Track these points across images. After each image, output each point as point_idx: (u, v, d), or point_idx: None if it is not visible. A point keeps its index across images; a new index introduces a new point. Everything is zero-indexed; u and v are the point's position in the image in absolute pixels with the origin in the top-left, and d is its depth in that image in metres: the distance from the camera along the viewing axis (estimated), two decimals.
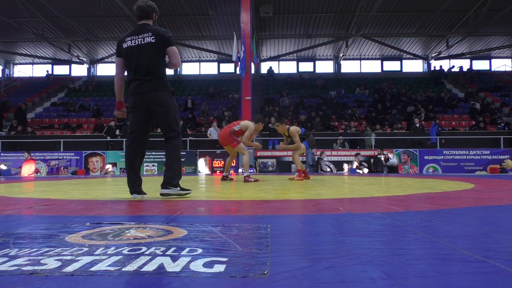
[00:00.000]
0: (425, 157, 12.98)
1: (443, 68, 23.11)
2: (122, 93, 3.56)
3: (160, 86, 3.37)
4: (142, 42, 3.36)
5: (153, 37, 3.35)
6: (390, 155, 12.71)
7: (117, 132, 14.84)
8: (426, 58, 23.97)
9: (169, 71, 21.62)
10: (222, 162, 12.77)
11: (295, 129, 7.18)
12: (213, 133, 14.49)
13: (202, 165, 13.00)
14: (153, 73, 3.36)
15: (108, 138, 14.34)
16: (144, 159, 3.68)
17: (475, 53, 23.29)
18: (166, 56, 3.43)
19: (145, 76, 3.35)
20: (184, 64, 24.92)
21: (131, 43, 3.39)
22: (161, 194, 3.39)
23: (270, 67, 23.51)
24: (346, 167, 12.99)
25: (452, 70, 23.22)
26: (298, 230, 1.82)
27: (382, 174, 11.21)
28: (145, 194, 3.53)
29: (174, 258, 1.21)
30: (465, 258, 1.23)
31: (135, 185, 3.46)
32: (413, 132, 14.50)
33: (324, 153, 12.99)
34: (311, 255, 1.30)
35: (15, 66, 25.63)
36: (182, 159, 13.51)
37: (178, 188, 3.40)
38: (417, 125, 14.42)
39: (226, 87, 21.12)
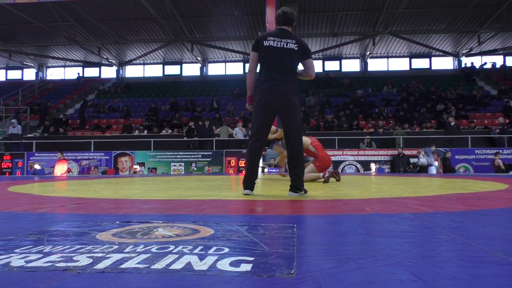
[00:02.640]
0: (456, 157, 12.63)
1: (474, 65, 22.40)
2: (254, 88, 3.65)
3: (293, 90, 3.50)
4: (285, 46, 3.46)
5: (297, 45, 3.47)
6: (420, 155, 12.44)
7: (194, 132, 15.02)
8: (456, 55, 23.29)
9: (194, 72, 21.72)
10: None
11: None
12: (238, 133, 14.58)
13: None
14: (290, 76, 3.48)
15: (185, 139, 14.60)
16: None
17: (509, 49, 22.45)
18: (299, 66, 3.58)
19: (283, 78, 3.45)
20: (210, 65, 25.15)
21: (273, 44, 3.48)
22: (294, 196, 3.45)
23: None
24: (373, 167, 12.80)
25: (484, 66, 22.48)
26: (325, 230, 1.81)
27: (411, 174, 10.97)
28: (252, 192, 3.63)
29: (201, 257, 1.22)
30: (499, 261, 1.19)
31: (251, 182, 3.59)
32: (447, 131, 14.10)
33: None
34: (338, 255, 1.28)
35: (48, 69, 26.51)
36: (208, 159, 13.59)
37: (303, 192, 3.48)
38: (452, 124, 14.01)
39: None
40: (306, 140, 6.63)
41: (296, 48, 3.47)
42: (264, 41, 3.51)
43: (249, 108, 3.71)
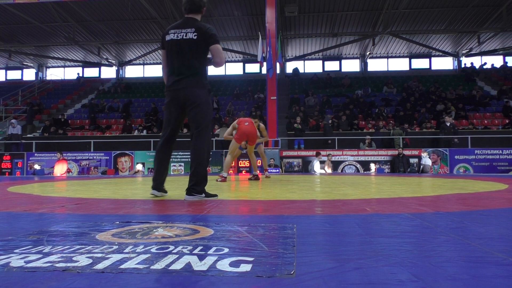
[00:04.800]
0: (456, 157, 12.62)
1: (474, 65, 22.40)
2: None
3: (197, 84, 3.26)
4: (184, 38, 3.25)
5: (196, 33, 3.24)
6: (423, 155, 12.45)
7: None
8: (456, 55, 23.29)
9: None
10: (248, 162, 12.82)
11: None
12: None
13: (317, 166, 12.67)
14: (191, 70, 3.25)
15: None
16: (171, 159, 3.66)
17: (509, 49, 22.45)
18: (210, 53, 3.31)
19: (184, 73, 3.26)
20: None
21: (173, 37, 3.29)
22: (186, 200, 3.22)
23: (296, 67, 23.40)
24: (373, 167, 12.80)
25: (484, 67, 22.47)
26: (325, 230, 1.81)
27: (412, 174, 10.98)
28: (166, 193, 3.51)
29: (201, 257, 1.22)
30: (499, 261, 1.19)
31: (157, 181, 3.44)
32: (444, 132, 14.09)
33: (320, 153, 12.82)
34: (338, 255, 1.28)
35: (47, 69, 26.50)
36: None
37: (203, 195, 3.26)
38: (448, 124, 14.01)
39: (252, 87, 21.17)
40: (233, 126, 6.95)
41: (195, 37, 3.22)
42: (166, 36, 3.34)
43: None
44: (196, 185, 3.22)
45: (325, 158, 12.64)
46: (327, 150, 13.07)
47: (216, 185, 5.41)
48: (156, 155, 3.49)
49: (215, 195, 3.37)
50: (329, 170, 12.24)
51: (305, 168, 13.10)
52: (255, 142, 7.11)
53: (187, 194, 3.23)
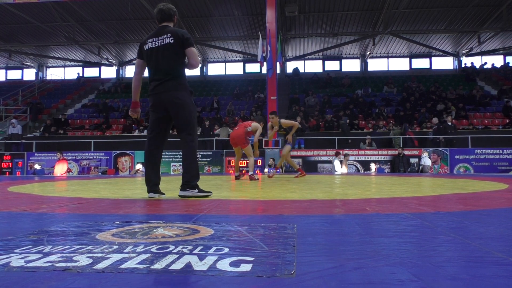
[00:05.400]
0: (456, 157, 12.62)
1: (474, 65, 22.40)
2: (138, 94, 3.63)
3: (178, 86, 3.40)
4: (162, 43, 3.40)
5: (172, 38, 3.38)
6: (423, 155, 12.45)
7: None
8: (456, 55, 23.29)
9: (194, 72, 21.57)
10: (247, 161, 12.81)
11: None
12: None
13: (338, 165, 12.62)
14: (171, 73, 3.40)
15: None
16: (161, 159, 3.73)
17: (509, 49, 22.45)
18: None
19: (164, 77, 3.39)
20: (209, 65, 25.14)
21: (152, 45, 3.44)
22: (180, 196, 3.40)
23: (296, 67, 23.40)
24: (373, 166, 12.80)
25: (484, 67, 22.47)
26: (325, 230, 1.81)
27: (413, 174, 10.98)
28: (163, 194, 3.56)
29: (201, 257, 1.22)
30: (499, 261, 1.19)
31: (150, 184, 3.49)
32: (444, 131, 14.07)
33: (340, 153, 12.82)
34: (338, 255, 1.28)
35: (48, 69, 26.51)
36: (208, 159, 13.60)
37: (196, 190, 3.41)
38: (449, 124, 14.00)
39: (252, 87, 21.17)
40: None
41: (172, 41, 3.37)
42: (144, 46, 3.49)
43: (131, 113, 3.68)
44: (189, 181, 3.39)
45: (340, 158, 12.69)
46: (344, 150, 13.07)
47: (216, 185, 5.41)
48: (147, 158, 3.55)
49: (209, 192, 3.52)
50: (345, 170, 12.26)
51: (306, 168, 13.09)
52: (241, 144, 7.31)
53: (181, 190, 3.40)
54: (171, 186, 5.28)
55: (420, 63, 24.18)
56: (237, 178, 7.33)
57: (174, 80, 3.40)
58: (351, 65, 24.57)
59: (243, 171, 10.78)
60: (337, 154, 12.66)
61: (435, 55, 23.82)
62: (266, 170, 12.08)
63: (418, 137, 14.49)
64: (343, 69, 24.32)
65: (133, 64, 24.76)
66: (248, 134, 7.27)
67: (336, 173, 11.57)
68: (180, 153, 13.08)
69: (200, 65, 3.86)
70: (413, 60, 24.18)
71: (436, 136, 13.66)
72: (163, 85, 3.39)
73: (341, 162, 12.42)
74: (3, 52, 22.93)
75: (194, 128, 3.47)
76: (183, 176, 3.42)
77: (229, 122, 16.93)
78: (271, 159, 12.49)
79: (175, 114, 3.43)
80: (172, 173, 13.18)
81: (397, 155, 12.68)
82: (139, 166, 13.15)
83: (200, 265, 1.13)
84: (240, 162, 7.84)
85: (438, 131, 13.88)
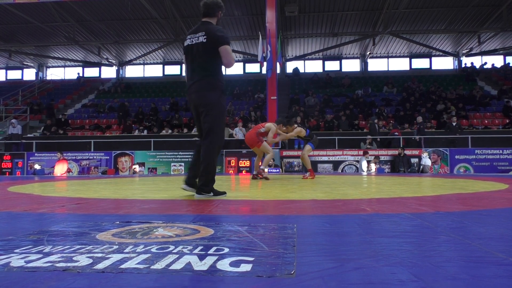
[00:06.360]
0: (456, 157, 12.62)
1: (474, 65, 22.39)
2: None
3: (208, 86, 3.34)
4: (197, 42, 3.35)
5: (205, 36, 3.31)
6: (423, 155, 12.44)
7: None
8: (456, 55, 23.29)
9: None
10: (249, 161, 12.83)
11: (299, 129, 7.71)
12: (238, 133, 14.58)
13: (365, 165, 12.57)
14: (202, 73, 3.35)
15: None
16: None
17: (509, 49, 22.45)
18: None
19: (196, 76, 3.36)
20: None
21: (189, 42, 3.42)
22: (196, 198, 3.37)
23: (296, 67, 23.40)
24: (373, 166, 12.80)
25: (484, 67, 22.47)
26: (325, 230, 1.81)
27: (413, 174, 10.97)
28: (194, 189, 3.52)
29: (201, 257, 1.22)
30: (499, 261, 1.19)
31: (188, 176, 3.58)
32: (448, 131, 14.06)
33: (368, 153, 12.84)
34: (338, 255, 1.28)
35: (48, 69, 26.50)
36: None
37: (212, 194, 3.41)
38: (454, 124, 13.99)
39: (252, 87, 21.17)
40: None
41: (205, 40, 3.31)
42: (185, 42, 3.49)
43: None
44: (205, 185, 3.38)
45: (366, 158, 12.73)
46: (371, 150, 13.11)
47: (216, 185, 5.39)
48: (196, 152, 3.61)
49: (224, 193, 3.56)
50: (373, 170, 12.29)
51: (305, 168, 13.08)
52: (255, 144, 7.30)
53: (197, 193, 3.40)
54: (171, 186, 5.28)
55: (420, 63, 24.18)
56: (254, 177, 7.24)
57: (205, 80, 3.35)
58: (351, 65, 24.57)
59: (243, 171, 10.79)
60: (364, 154, 12.69)
61: (435, 55, 23.82)
62: (266, 170, 12.07)
63: (406, 136, 14.35)
64: (343, 69, 24.31)
65: (133, 64, 24.88)
66: (261, 134, 7.31)
67: (363, 173, 11.64)
68: (180, 153, 13.05)
69: (233, 64, 3.71)
70: (413, 60, 24.17)
71: (420, 136, 13.73)
72: (195, 85, 3.37)
73: (368, 162, 12.46)
74: (3, 52, 22.92)
75: (216, 131, 3.36)
76: (199, 178, 3.40)
77: (229, 122, 16.93)
78: (272, 160, 12.49)
79: (202, 114, 3.38)
80: (172, 173, 13.18)
81: (397, 155, 12.67)
82: (136, 168, 13.17)
83: (200, 265, 1.13)
84: (260, 162, 7.78)
85: (419, 131, 13.95)
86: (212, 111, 3.34)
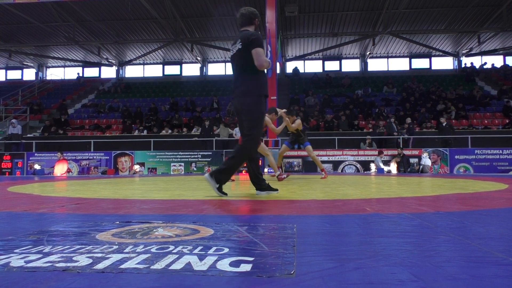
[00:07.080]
0: (456, 157, 12.62)
1: (474, 65, 22.39)
2: None
3: (246, 92, 3.46)
4: (235, 50, 3.50)
5: (241, 43, 3.43)
6: (423, 155, 12.44)
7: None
8: (456, 55, 23.29)
9: (194, 72, 21.55)
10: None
11: (299, 122, 7.98)
12: (238, 133, 14.58)
13: (380, 164, 12.59)
14: (240, 79, 3.49)
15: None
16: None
17: (509, 49, 22.45)
18: None
19: (237, 83, 3.52)
20: (210, 65, 25.14)
21: (232, 52, 3.59)
22: (205, 178, 3.51)
23: (296, 67, 23.40)
24: (373, 166, 12.80)
25: (484, 67, 22.46)
26: (325, 230, 1.81)
27: (412, 174, 10.97)
28: (276, 190, 3.73)
29: (201, 257, 1.22)
30: (499, 261, 1.19)
31: (255, 182, 3.72)
32: (440, 132, 14.06)
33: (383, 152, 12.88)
34: (338, 255, 1.28)
35: (47, 69, 26.49)
36: (208, 159, 13.54)
37: (218, 185, 3.49)
38: (444, 124, 13.98)
39: None
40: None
41: (241, 46, 3.43)
42: (230, 52, 3.66)
43: None
44: (219, 173, 3.47)
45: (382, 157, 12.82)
46: (388, 150, 13.18)
47: None
48: (248, 166, 3.80)
49: (225, 194, 3.55)
50: (394, 170, 12.32)
51: (305, 168, 13.10)
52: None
53: (209, 174, 3.49)
54: (171, 186, 5.28)
55: (420, 63, 24.18)
56: (279, 180, 7.21)
57: (243, 86, 3.48)
58: (351, 65, 24.57)
59: (243, 171, 10.76)
60: (379, 153, 12.72)
61: (435, 55, 23.81)
62: (266, 170, 12.07)
63: (419, 137, 14.45)
64: (343, 69, 24.31)
65: (133, 64, 24.89)
66: None
67: (383, 173, 11.76)
68: (180, 153, 13.04)
69: (265, 66, 3.67)
70: (413, 60, 24.17)
71: (409, 137, 13.78)
72: (236, 91, 3.54)
73: (388, 162, 12.52)
74: (3, 52, 22.91)
75: (251, 136, 3.45)
76: (219, 166, 3.56)
77: (229, 122, 16.93)
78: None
79: (241, 120, 3.55)
80: (172, 173, 13.18)
81: (397, 155, 12.67)
82: (136, 168, 13.17)
83: (200, 265, 1.13)
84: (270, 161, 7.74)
85: (408, 131, 13.97)
86: (248, 118, 3.47)
